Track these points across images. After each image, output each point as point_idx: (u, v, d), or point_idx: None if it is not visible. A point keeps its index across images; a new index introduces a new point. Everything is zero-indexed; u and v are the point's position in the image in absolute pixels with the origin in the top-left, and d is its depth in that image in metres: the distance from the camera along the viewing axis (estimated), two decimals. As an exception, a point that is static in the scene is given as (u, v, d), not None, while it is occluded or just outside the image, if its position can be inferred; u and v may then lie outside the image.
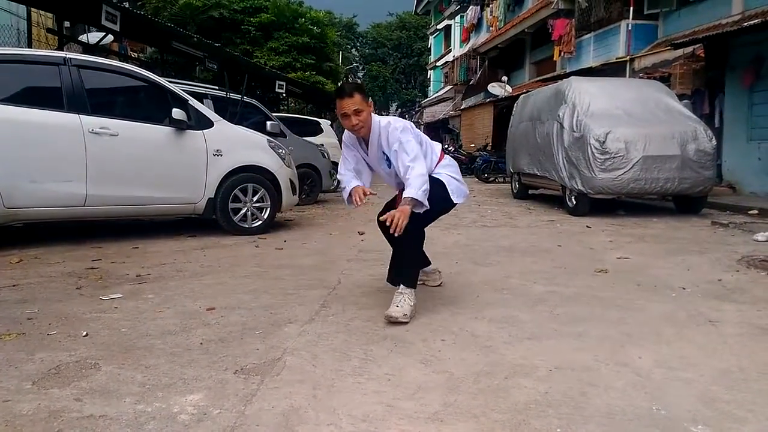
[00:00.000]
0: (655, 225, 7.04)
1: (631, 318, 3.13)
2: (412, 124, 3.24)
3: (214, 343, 2.67)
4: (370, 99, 3.14)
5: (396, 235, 2.85)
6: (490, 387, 2.20)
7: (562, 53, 16.59)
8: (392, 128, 3.08)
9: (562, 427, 1.89)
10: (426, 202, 2.95)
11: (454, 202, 3.27)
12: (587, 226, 6.89)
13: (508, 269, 4.41)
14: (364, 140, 3.23)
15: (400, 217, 2.81)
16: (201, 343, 2.66)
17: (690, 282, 3.97)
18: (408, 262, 3.18)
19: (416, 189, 2.89)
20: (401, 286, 3.11)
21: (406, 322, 2.97)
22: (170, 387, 2.17)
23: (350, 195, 3.19)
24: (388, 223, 2.84)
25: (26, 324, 2.92)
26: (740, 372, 2.38)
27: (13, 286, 3.72)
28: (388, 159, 3.16)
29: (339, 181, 3.41)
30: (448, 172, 3.31)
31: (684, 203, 8.24)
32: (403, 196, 2.92)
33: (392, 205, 3.34)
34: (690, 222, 7.30)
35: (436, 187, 3.12)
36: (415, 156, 2.99)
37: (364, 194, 3.14)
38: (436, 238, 5.72)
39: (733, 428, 1.90)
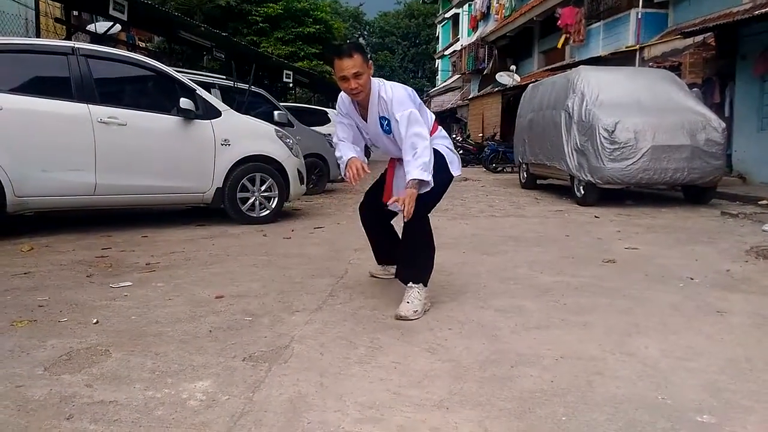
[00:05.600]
0: (664, 215, 7.00)
1: (638, 308, 3.13)
2: (412, 90, 3.01)
3: (222, 331, 2.69)
4: (370, 61, 2.90)
5: (405, 220, 2.76)
6: (496, 375, 2.21)
7: (573, 42, 16.41)
8: (393, 94, 2.86)
9: (568, 416, 1.90)
10: (432, 181, 2.75)
11: (453, 174, 3.07)
12: (595, 216, 6.87)
13: (515, 259, 4.42)
14: (361, 105, 2.98)
15: (410, 202, 2.67)
16: (210, 331, 2.69)
17: (698, 272, 3.96)
18: (419, 253, 2.98)
19: (421, 169, 2.70)
20: (410, 282, 2.97)
21: (416, 319, 2.87)
22: (179, 373, 2.20)
23: (347, 167, 2.94)
24: (400, 207, 2.69)
25: (37, 311, 2.96)
26: (747, 362, 2.38)
27: (25, 274, 3.76)
28: (388, 123, 2.90)
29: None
30: (446, 144, 3.13)
31: (693, 193, 8.18)
32: (409, 177, 2.71)
33: (381, 184, 3.19)
34: (699, 212, 7.26)
35: (437, 159, 2.90)
36: (418, 131, 2.78)
37: (363, 170, 2.89)
38: (443, 228, 5.72)
39: (739, 418, 1.90)
